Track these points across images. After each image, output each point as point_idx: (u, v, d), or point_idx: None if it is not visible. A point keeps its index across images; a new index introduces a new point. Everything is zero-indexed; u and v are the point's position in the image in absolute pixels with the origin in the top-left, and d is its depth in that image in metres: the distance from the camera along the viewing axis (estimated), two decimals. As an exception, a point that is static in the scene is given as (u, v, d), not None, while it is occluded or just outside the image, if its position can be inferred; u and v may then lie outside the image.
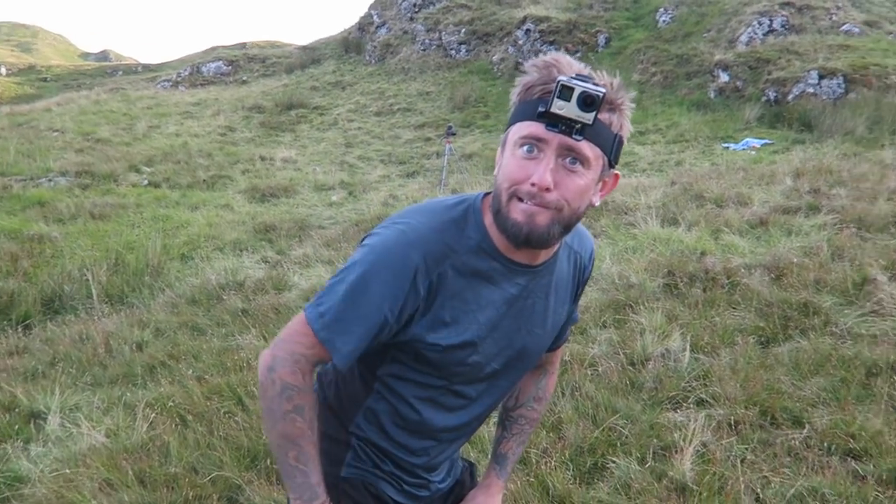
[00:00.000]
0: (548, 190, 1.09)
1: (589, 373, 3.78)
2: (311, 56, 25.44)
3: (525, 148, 1.11)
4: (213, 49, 31.38)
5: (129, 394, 4.07)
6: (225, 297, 5.81)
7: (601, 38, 19.16)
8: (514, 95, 1.16)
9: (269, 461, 2.99)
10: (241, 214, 9.79)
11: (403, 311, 1.19)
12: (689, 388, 3.55)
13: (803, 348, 3.90)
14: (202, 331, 5.09)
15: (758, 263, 5.30)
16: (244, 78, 24.64)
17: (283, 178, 12.31)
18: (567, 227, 1.16)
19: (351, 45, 25.25)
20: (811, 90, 14.16)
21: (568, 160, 1.11)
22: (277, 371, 1.21)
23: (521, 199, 1.12)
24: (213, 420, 3.42)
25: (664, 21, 19.31)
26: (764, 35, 16.94)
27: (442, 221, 1.21)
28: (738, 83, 15.55)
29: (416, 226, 1.20)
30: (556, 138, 1.09)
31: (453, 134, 12.01)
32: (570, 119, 1.06)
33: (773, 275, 5.06)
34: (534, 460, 2.91)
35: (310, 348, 1.21)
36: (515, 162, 1.12)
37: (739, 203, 7.30)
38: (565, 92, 1.05)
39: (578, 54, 18.25)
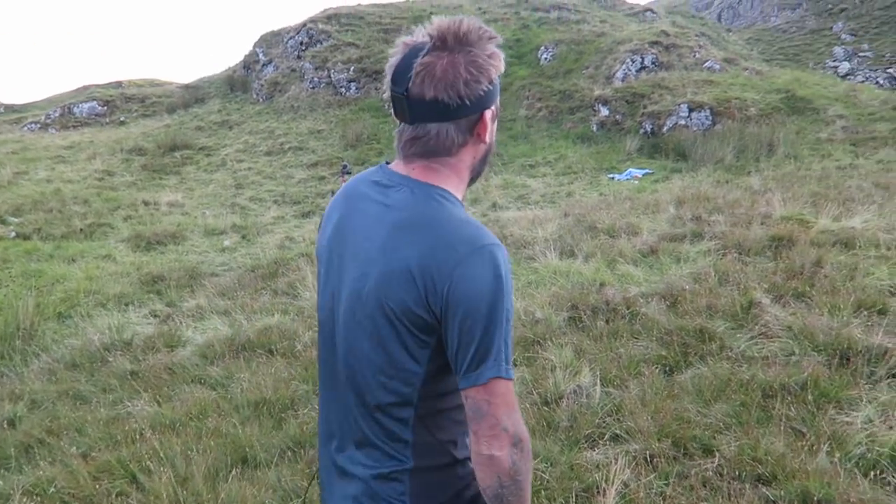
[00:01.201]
0: None
1: (505, 416, 3.74)
2: (194, 95, 24.57)
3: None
4: (86, 88, 29.63)
5: (0, 481, 3.61)
6: (110, 359, 5.36)
7: (488, 75, 19.74)
8: (495, 77, 1.30)
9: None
10: (124, 265, 9.16)
11: None
12: (604, 424, 3.58)
13: (704, 374, 4.05)
14: (86, 399, 4.65)
15: (653, 292, 5.51)
16: (122, 119, 23.41)
17: (170, 224, 11.69)
18: None
19: (236, 83, 24.65)
20: (683, 122, 15.21)
21: None
22: (525, 439, 1.22)
23: None
24: (103, 505, 3.09)
25: (545, 59, 20.22)
26: (637, 71, 18.09)
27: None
28: (618, 116, 16.47)
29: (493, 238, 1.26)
30: None
31: (349, 172, 11.92)
32: None
33: (668, 302, 5.27)
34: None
35: (515, 405, 1.23)
36: (494, 129, 1.37)
37: (630, 233, 7.63)
38: None
39: (467, 91, 18.70)
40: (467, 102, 1.24)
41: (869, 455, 3.07)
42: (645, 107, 16.24)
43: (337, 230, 1.38)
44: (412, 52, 1.25)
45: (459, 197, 1.33)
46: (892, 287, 5.10)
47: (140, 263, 9.26)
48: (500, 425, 1.18)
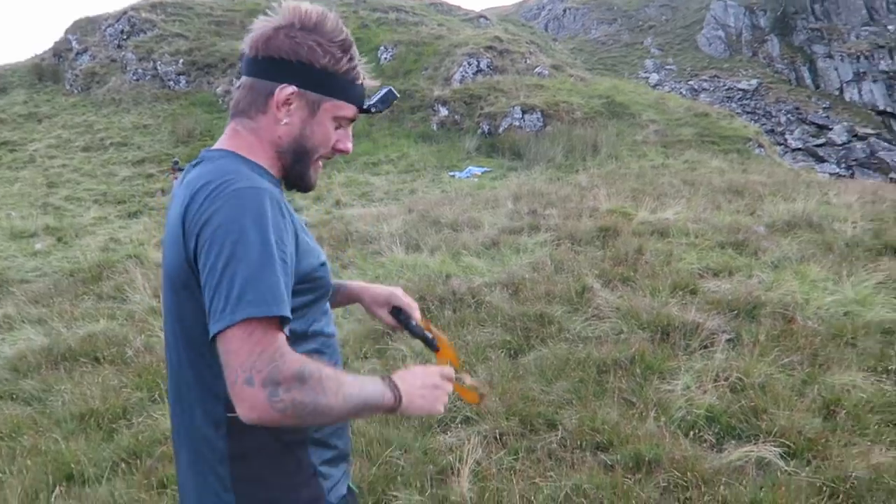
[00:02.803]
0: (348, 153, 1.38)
1: (358, 408, 3.70)
2: (-7, 83, 21.86)
3: (336, 123, 1.33)
4: None
5: None
6: None
7: (327, 73, 19.50)
8: (333, 62, 1.27)
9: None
10: None
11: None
12: (455, 409, 3.66)
13: (545, 356, 4.28)
14: None
15: (496, 281, 5.73)
16: None
17: (-34, 226, 10.30)
18: None
19: (46, 72, 22.27)
20: (517, 123, 16.00)
21: None
22: (285, 373, 1.07)
23: (323, 158, 1.36)
24: None
25: (385, 58, 20.34)
26: (474, 74, 18.75)
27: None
28: (457, 117, 16.96)
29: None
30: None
31: (180, 169, 11.19)
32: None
33: (510, 291, 5.51)
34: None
35: (265, 343, 1.07)
36: (331, 131, 1.33)
37: (472, 226, 7.87)
38: (391, 100, 1.41)
39: (306, 88, 18.37)
40: (260, 57, 1.26)
41: (688, 417, 3.41)
42: (482, 108, 16.87)
43: None
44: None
45: (263, 165, 1.29)
46: (700, 270, 5.70)
47: (-71, 271, 8.07)
48: (239, 379, 1.05)
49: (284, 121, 1.28)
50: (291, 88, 1.25)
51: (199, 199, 1.15)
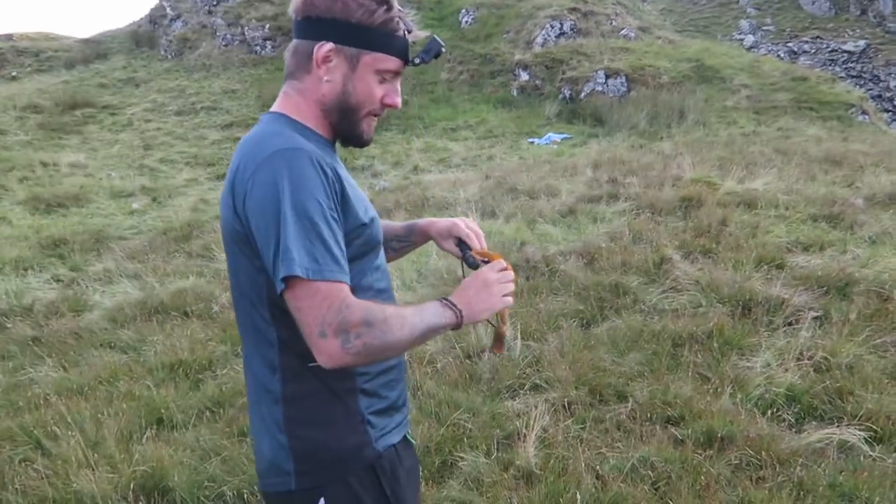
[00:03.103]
0: (398, 107, 1.37)
1: (429, 370, 3.78)
2: (95, 50, 22.99)
3: (380, 77, 1.32)
4: (-28, 40, 27.26)
5: None
6: (9, 325, 5.04)
7: (409, 37, 19.47)
8: (368, 15, 1.27)
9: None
10: (21, 228, 8.57)
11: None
12: (524, 376, 3.68)
13: (618, 327, 4.22)
14: (-18, 367, 4.35)
15: (571, 250, 5.66)
16: (14, 73, 21.70)
17: (72, 186, 10.98)
18: None
19: (142, 38, 23.22)
20: (600, 88, 15.52)
21: None
22: (353, 320, 1.15)
23: (373, 115, 1.36)
24: (5, 471, 2.91)
25: (467, 22, 20.08)
26: (556, 37, 18.26)
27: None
28: (537, 82, 16.62)
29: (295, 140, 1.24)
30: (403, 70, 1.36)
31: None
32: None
33: (585, 260, 5.43)
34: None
35: (331, 297, 1.15)
36: (376, 86, 1.33)
37: (549, 194, 7.77)
38: (435, 50, 1.35)
39: (387, 52, 18.41)
40: (300, 18, 1.30)
41: (767, 396, 3.29)
42: (564, 72, 16.44)
43: None
44: None
45: (309, 125, 1.33)
46: (789, 244, 5.43)
47: (39, 227, 8.69)
48: (314, 333, 1.14)
49: (326, 78, 1.30)
50: (329, 45, 1.28)
51: (245, 163, 1.22)
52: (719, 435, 2.92)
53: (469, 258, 1.49)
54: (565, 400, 3.36)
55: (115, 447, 3.03)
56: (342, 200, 1.24)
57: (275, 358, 1.29)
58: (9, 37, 27.16)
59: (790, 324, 4.04)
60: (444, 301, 1.30)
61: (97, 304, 5.58)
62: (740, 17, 34.53)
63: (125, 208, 9.99)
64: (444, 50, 1.38)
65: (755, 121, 13.30)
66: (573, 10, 19.27)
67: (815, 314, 4.10)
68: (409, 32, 1.32)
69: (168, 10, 23.73)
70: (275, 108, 1.35)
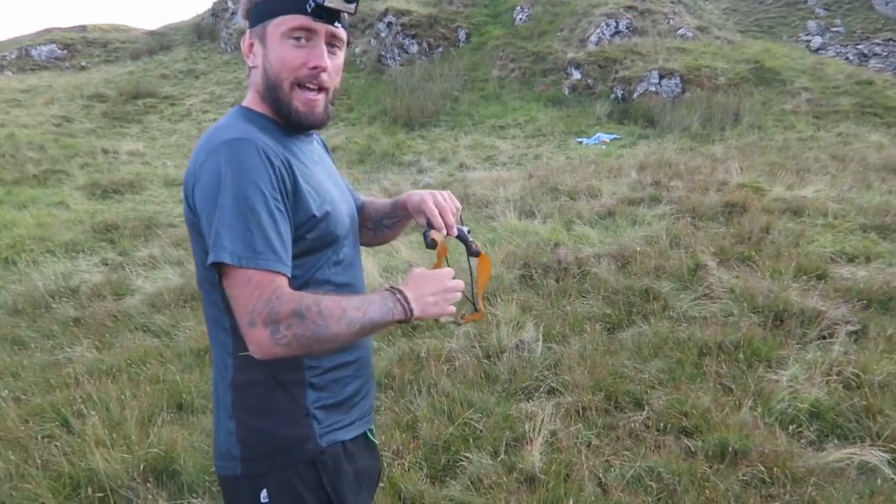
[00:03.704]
0: (325, 70, 1.29)
1: (445, 368, 3.78)
2: (159, 42, 23.81)
3: (294, 38, 1.27)
4: (47, 31, 28.47)
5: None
6: (54, 306, 5.26)
7: (461, 34, 19.44)
8: None
9: (90, 489, 2.69)
10: (77, 213, 8.94)
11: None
12: (541, 378, 3.64)
13: (644, 332, 4.13)
14: (24, 344, 4.56)
15: (605, 253, 5.56)
16: (83, 63, 22.64)
17: (129, 173, 11.40)
18: (333, 102, 1.36)
19: (204, 31, 23.91)
20: (653, 89, 15.19)
21: (330, 45, 1.31)
22: (284, 311, 1.15)
23: (300, 86, 1.29)
24: (28, 446, 3.05)
25: (521, 19, 19.93)
26: (611, 36, 17.95)
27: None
28: (590, 81, 16.38)
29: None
30: (323, 28, 1.27)
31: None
32: (337, 10, 1.26)
33: (619, 263, 5.33)
34: (385, 463, 2.85)
35: (262, 287, 1.16)
36: (287, 51, 1.27)
37: (590, 195, 7.66)
38: None
39: (440, 49, 18.45)
40: (241, 10, 1.35)
41: (790, 410, 3.17)
42: (617, 72, 16.15)
43: None
44: None
45: (265, 112, 1.35)
46: (833, 253, 5.22)
47: (94, 211, 9.05)
48: (244, 322, 1.15)
49: (251, 65, 1.35)
50: (247, 33, 1.33)
51: (197, 153, 1.26)
52: (732, 448, 2.83)
53: (426, 238, 1.43)
54: (579, 405, 3.31)
55: (135, 428, 3.13)
56: (293, 192, 1.25)
57: (229, 344, 1.32)
58: (82, 28, 28.33)
59: (824, 337, 3.89)
60: (395, 293, 1.27)
61: (139, 288, 5.77)
62: (808, 17, 33.28)
63: (177, 196, 10.30)
64: None
65: (814, 125, 12.79)
66: (630, 7, 18.90)
67: (851, 328, 3.93)
68: None
69: (230, 3, 24.32)
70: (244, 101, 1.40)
